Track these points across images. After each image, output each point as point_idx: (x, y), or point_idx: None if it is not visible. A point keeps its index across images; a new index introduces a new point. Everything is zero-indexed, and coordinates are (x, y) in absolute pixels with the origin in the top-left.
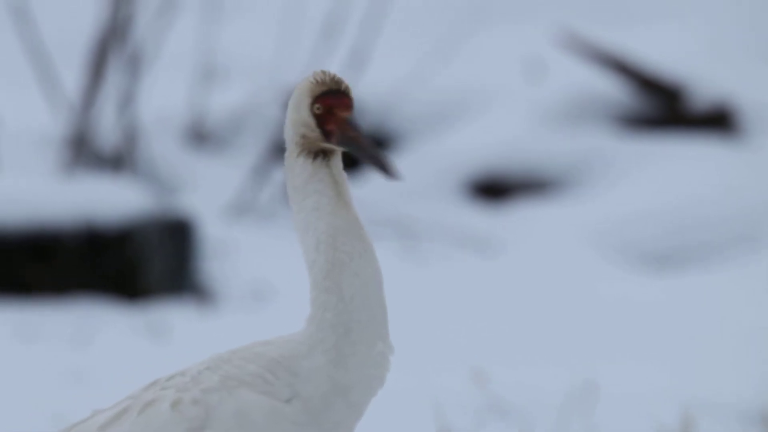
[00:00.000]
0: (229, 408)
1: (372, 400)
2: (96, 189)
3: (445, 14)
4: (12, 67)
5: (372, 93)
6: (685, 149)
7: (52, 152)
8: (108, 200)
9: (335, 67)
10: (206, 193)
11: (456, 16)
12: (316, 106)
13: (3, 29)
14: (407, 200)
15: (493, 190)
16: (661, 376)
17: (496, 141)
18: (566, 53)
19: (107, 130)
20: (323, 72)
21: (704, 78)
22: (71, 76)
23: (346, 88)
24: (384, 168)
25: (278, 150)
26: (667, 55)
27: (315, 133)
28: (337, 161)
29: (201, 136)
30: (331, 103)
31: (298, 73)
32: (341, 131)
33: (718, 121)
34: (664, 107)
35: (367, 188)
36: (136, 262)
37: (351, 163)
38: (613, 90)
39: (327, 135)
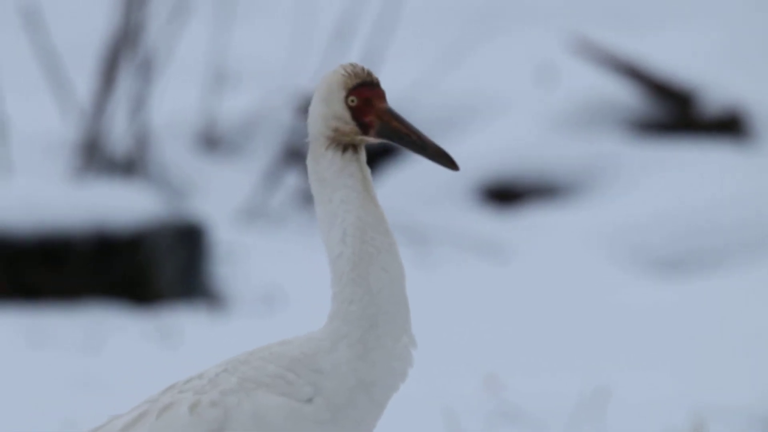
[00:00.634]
0: (247, 409)
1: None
2: (107, 194)
3: (457, 19)
4: (24, 72)
5: None
6: (697, 154)
7: (63, 157)
8: (119, 205)
9: None
10: (217, 197)
11: (468, 22)
12: (351, 98)
13: (15, 34)
14: (419, 205)
15: (504, 195)
16: (671, 381)
17: (507, 146)
18: (578, 59)
19: (118, 134)
20: (352, 64)
21: (715, 83)
22: (83, 80)
23: (378, 80)
24: (439, 156)
25: (290, 155)
26: (679, 60)
27: (349, 125)
28: (363, 156)
29: (212, 140)
30: (368, 94)
31: (310, 77)
32: (384, 122)
33: (729, 126)
34: (676, 112)
35: (379, 193)
36: (147, 267)
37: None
38: (624, 95)
39: (364, 127)
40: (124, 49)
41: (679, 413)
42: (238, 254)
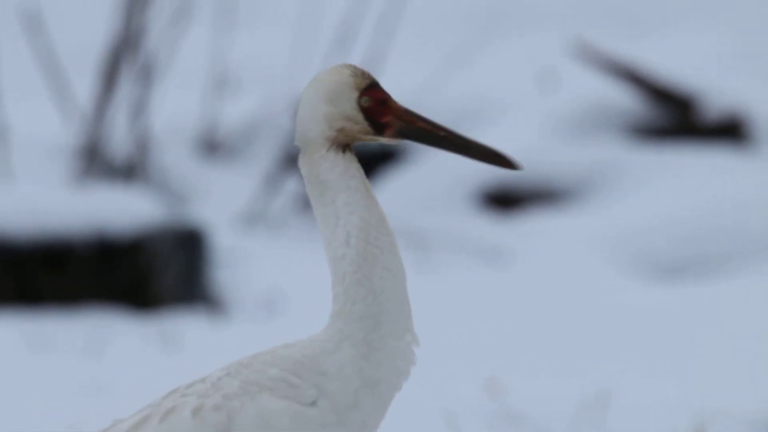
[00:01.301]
0: (251, 413)
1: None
2: (108, 198)
3: (458, 25)
4: (25, 76)
5: None
6: (698, 159)
7: (64, 162)
8: (120, 210)
9: None
10: (218, 202)
11: (469, 27)
12: (364, 98)
13: (16, 39)
14: (419, 210)
15: (505, 200)
16: (673, 385)
17: (508, 151)
18: (579, 63)
19: (119, 139)
20: (350, 65)
21: (716, 88)
22: (84, 85)
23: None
24: (490, 156)
25: (290, 160)
26: (679, 65)
27: (359, 125)
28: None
29: (213, 145)
30: (382, 95)
31: None
32: (405, 123)
33: (729, 131)
34: (677, 117)
35: (379, 198)
36: (147, 272)
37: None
38: (625, 100)
39: (380, 128)
40: (125, 54)
41: (681, 417)
42: (239, 259)
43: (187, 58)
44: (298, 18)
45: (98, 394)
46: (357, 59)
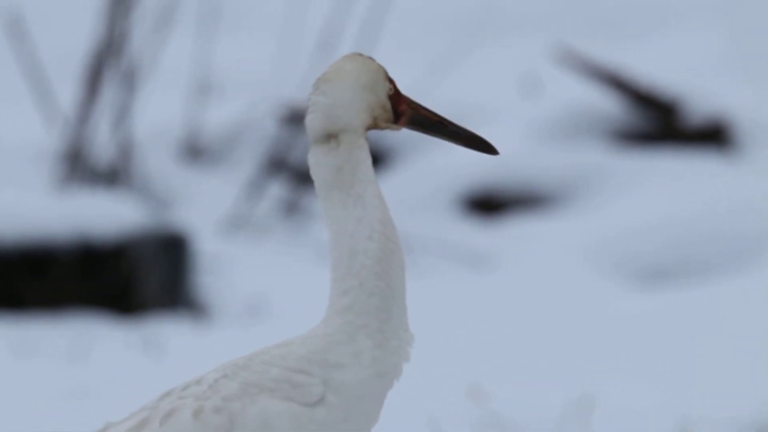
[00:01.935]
0: (252, 415)
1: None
2: (91, 204)
3: (442, 31)
4: (7, 81)
5: None
6: (681, 164)
7: (47, 167)
8: (103, 215)
9: None
10: (201, 207)
11: (453, 33)
12: (389, 87)
13: None
14: (403, 215)
15: (488, 205)
16: (657, 391)
17: (492, 156)
18: (562, 69)
19: (102, 145)
20: (361, 54)
21: (699, 93)
22: (67, 91)
23: None
24: (477, 142)
25: (274, 165)
26: (662, 70)
27: (387, 114)
28: None
29: (196, 151)
30: (395, 84)
31: (294, 88)
32: (415, 111)
33: (713, 136)
34: (660, 122)
35: None
36: (131, 278)
37: None
38: (608, 105)
39: (397, 116)
40: (108, 59)
41: (665, 422)
42: (222, 264)
43: (170, 63)
44: (282, 24)
45: (82, 399)
46: None
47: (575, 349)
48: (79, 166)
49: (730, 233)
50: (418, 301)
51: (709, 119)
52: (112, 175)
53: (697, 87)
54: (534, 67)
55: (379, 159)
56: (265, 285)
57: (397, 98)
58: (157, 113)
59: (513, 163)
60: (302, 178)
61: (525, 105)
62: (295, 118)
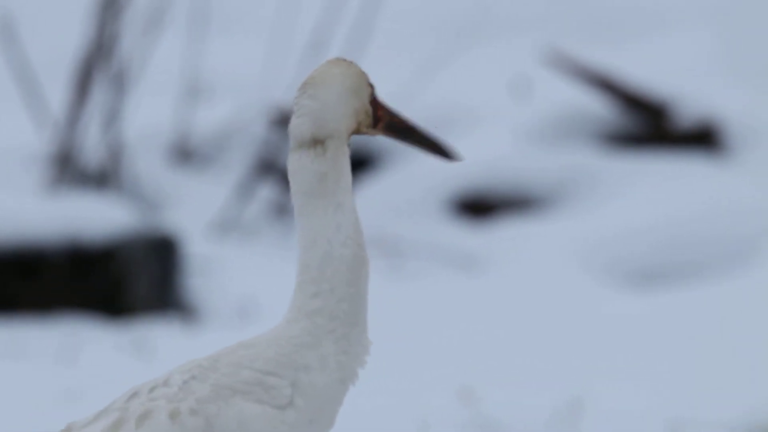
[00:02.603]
0: (229, 417)
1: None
2: (81, 206)
3: (431, 33)
4: None
5: None
6: (671, 167)
7: (37, 170)
8: (93, 217)
9: None
10: (191, 210)
11: (443, 35)
12: (370, 92)
13: None
14: (392, 218)
15: (478, 207)
16: (648, 393)
17: (482, 159)
18: (552, 71)
19: (92, 147)
20: (343, 59)
21: (689, 96)
22: (56, 93)
23: None
24: (442, 151)
25: (264, 167)
26: (653, 73)
27: (369, 119)
28: None
29: (186, 153)
30: (374, 89)
31: (284, 90)
32: (390, 117)
33: (703, 138)
34: (650, 125)
35: None
36: (120, 280)
37: None
38: (598, 108)
39: (376, 121)
40: (98, 62)
41: (655, 425)
42: (212, 267)
43: (160, 65)
44: (272, 26)
45: (71, 401)
46: None
47: (566, 352)
48: (69, 169)
49: (721, 235)
50: (408, 304)
51: (700, 122)
52: (102, 178)
53: (688, 89)
54: (524, 70)
55: (368, 162)
56: (255, 287)
57: (375, 104)
58: (147, 116)
59: (503, 165)
60: None
61: (515, 107)
62: (285, 121)
